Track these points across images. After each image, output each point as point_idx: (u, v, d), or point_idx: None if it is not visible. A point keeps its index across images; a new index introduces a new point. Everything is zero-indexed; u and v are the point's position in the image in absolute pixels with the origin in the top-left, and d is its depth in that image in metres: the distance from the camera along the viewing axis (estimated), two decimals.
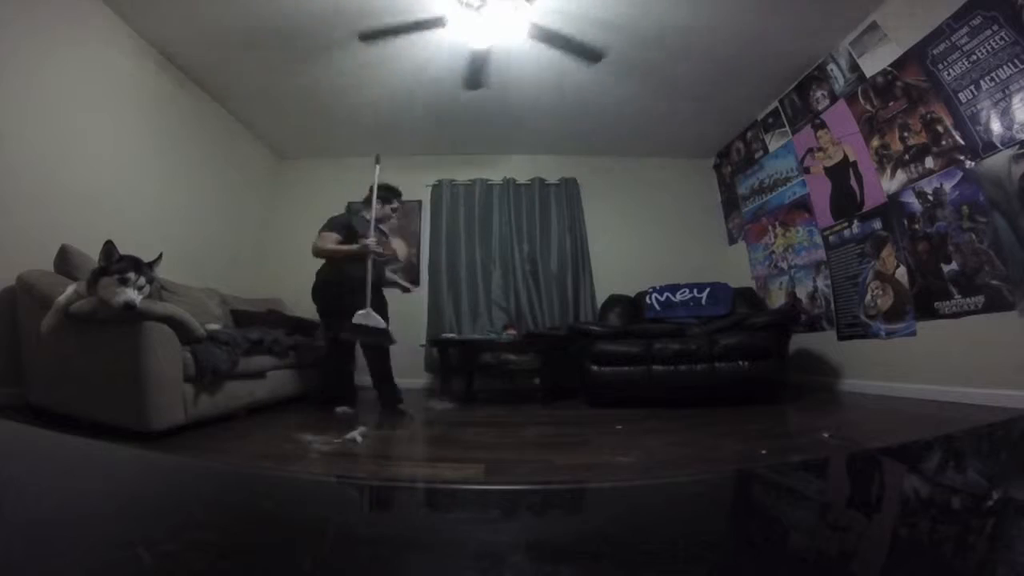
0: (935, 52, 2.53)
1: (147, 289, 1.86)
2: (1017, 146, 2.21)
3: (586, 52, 2.83)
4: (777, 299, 4.01)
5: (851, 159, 3.20)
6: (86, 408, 1.85)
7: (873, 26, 2.90)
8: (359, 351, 2.89)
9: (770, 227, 4.10)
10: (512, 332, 3.95)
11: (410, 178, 4.74)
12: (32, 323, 1.89)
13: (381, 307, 2.81)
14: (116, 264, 1.80)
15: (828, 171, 3.43)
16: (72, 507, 0.29)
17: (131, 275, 1.78)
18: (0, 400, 1.98)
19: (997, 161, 2.29)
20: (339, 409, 2.64)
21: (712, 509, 0.37)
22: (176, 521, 0.28)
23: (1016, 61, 2.19)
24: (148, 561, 0.21)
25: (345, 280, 2.71)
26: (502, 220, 4.61)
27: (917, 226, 2.75)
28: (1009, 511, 0.32)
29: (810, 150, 3.59)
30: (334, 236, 2.77)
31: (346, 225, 2.83)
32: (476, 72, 2.99)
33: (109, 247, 1.83)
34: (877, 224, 3.03)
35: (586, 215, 4.68)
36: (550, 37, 2.72)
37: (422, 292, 4.51)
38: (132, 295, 1.75)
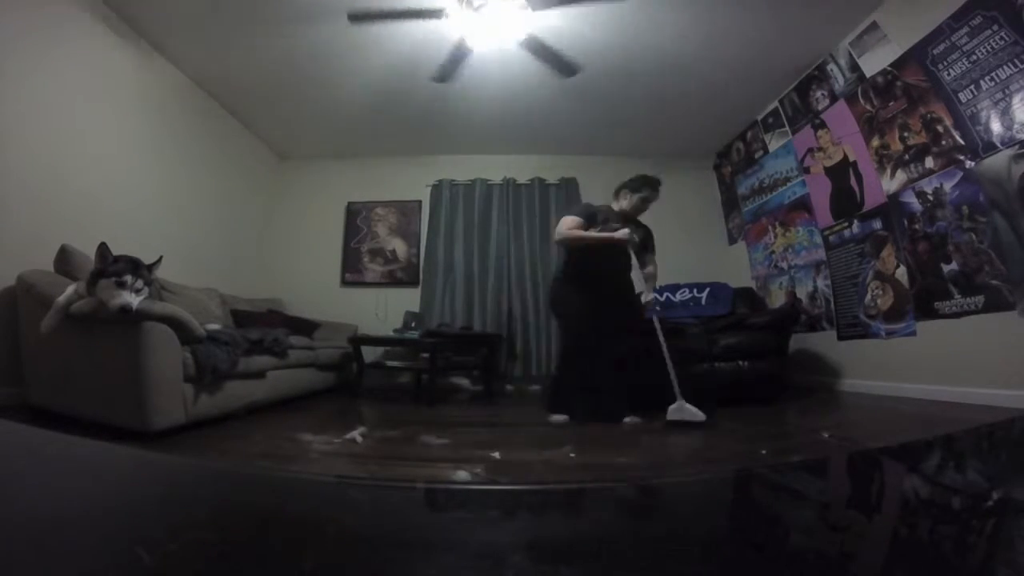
0: (935, 52, 2.53)
1: (145, 291, 1.85)
2: (1017, 146, 2.21)
3: (565, 66, 2.85)
4: (777, 299, 4.01)
5: (851, 159, 3.20)
6: (86, 408, 1.85)
7: (873, 26, 2.90)
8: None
9: (770, 227, 4.10)
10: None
11: (410, 178, 4.77)
12: (32, 323, 1.88)
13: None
14: (113, 266, 1.79)
15: (828, 171, 3.42)
16: (72, 507, 0.29)
17: (127, 278, 1.77)
18: (0, 400, 1.98)
19: (997, 161, 2.29)
20: (556, 417, 2.40)
21: (712, 509, 0.37)
22: (176, 521, 0.28)
23: (1016, 61, 2.19)
24: (148, 561, 0.21)
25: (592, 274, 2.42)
26: (501, 220, 4.61)
27: (917, 226, 2.75)
28: (1009, 511, 0.32)
29: (810, 150, 3.59)
30: (577, 220, 2.43)
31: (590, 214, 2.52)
32: (450, 65, 2.94)
33: (103, 249, 1.82)
34: (877, 224, 3.03)
35: None
36: (536, 48, 2.72)
37: (418, 290, 4.56)
38: (128, 298, 1.74)
